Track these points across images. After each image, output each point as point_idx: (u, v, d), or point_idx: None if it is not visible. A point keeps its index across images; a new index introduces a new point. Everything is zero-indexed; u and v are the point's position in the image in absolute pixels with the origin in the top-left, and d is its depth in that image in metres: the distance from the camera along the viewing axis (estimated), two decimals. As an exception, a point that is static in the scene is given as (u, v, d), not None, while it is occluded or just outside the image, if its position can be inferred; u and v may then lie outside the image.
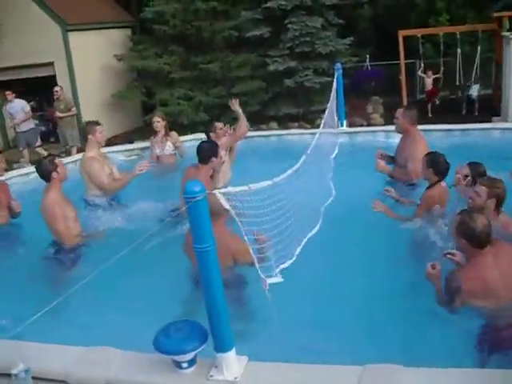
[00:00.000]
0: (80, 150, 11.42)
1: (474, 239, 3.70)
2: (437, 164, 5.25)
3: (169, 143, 8.34)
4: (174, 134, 8.49)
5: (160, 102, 12.77)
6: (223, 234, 4.22)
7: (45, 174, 5.49)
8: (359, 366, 3.28)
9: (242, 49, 13.06)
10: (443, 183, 5.26)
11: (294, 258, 4.13)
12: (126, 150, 9.53)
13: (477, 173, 5.12)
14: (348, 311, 4.34)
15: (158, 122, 8.39)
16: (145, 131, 13.02)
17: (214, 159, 6.18)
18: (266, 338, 3.89)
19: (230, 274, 4.29)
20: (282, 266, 3.93)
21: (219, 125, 7.38)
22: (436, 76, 13.44)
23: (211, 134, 7.18)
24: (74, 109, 12.09)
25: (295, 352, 3.76)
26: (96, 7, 14.19)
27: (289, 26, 12.25)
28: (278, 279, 3.66)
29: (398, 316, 4.24)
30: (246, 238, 3.47)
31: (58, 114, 11.91)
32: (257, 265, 3.48)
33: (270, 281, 3.54)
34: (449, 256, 3.95)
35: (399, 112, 6.52)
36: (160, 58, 12.96)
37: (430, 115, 13.08)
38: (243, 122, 7.40)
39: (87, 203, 6.64)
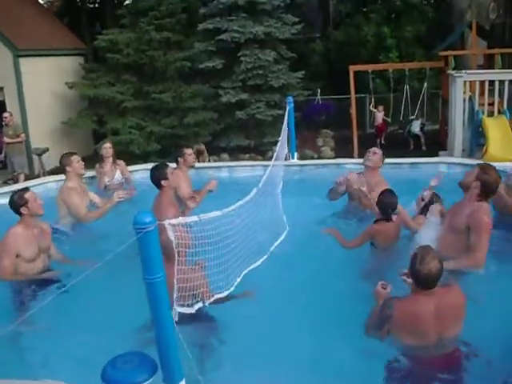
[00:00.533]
0: (27, 178, 11.25)
1: (418, 281, 3.68)
2: (381, 204, 5.40)
3: (118, 172, 8.27)
4: (121, 162, 8.43)
5: (111, 130, 12.70)
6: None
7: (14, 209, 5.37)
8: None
9: (194, 79, 13.13)
10: (393, 219, 5.35)
11: (232, 288, 4.14)
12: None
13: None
14: (299, 340, 4.35)
15: (110, 148, 8.34)
16: (95, 160, 12.84)
17: (163, 182, 6.19)
18: (217, 369, 3.87)
19: None
20: (219, 296, 3.94)
21: (188, 150, 7.38)
22: (385, 118, 13.79)
23: (179, 160, 7.22)
24: (22, 135, 11.88)
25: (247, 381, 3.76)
26: (48, 34, 14.11)
27: (242, 58, 12.39)
28: (190, 309, 3.65)
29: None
30: (176, 268, 3.47)
31: (6, 140, 11.71)
32: (175, 294, 3.46)
33: (180, 309, 3.52)
34: (404, 277, 3.92)
35: (378, 149, 6.78)
36: (112, 87, 12.92)
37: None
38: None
39: (56, 231, 6.58)
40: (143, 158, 11.91)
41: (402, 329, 3.78)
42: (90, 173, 8.82)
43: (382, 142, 13.46)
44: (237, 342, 4.28)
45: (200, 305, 3.74)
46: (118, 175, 8.23)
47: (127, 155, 12.02)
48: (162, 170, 6.25)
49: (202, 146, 11.91)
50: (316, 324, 4.50)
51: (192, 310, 3.65)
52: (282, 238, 5.72)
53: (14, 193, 5.49)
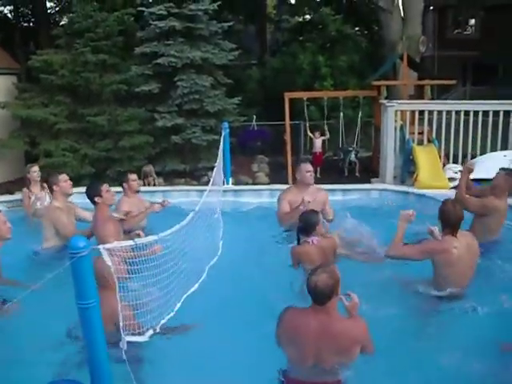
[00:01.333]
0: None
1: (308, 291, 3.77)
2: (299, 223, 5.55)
3: (47, 196, 8.19)
4: (45, 185, 8.40)
5: (44, 152, 12.42)
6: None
7: None
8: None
9: (130, 103, 13.04)
10: (312, 241, 5.43)
11: (172, 314, 4.14)
12: (5, 201, 9.21)
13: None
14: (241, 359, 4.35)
15: (38, 172, 8.31)
16: (27, 182, 12.62)
17: (97, 199, 6.28)
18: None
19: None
20: (162, 322, 3.92)
21: (132, 176, 7.52)
22: (323, 138, 13.96)
23: (124, 185, 7.42)
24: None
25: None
26: (-21, 51, 13.79)
27: (178, 83, 12.39)
28: (142, 338, 3.62)
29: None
30: (118, 295, 3.43)
31: None
32: (121, 323, 3.43)
33: (131, 338, 3.49)
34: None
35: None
36: (46, 108, 12.67)
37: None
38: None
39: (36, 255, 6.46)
40: (77, 181, 11.55)
41: (283, 337, 3.86)
42: (20, 196, 8.65)
43: (318, 175, 13.57)
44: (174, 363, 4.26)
45: (151, 332, 3.70)
46: (48, 198, 8.14)
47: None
48: (95, 187, 6.35)
49: (150, 167, 11.85)
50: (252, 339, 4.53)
51: (144, 338, 3.62)
52: (213, 260, 5.77)
53: None
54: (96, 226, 6.30)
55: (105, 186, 6.45)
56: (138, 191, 7.66)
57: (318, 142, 13.90)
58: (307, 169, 7.11)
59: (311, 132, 14.04)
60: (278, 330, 3.87)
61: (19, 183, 11.54)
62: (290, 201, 6.94)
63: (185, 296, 4.53)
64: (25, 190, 8.41)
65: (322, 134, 14.00)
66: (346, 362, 3.79)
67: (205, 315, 4.86)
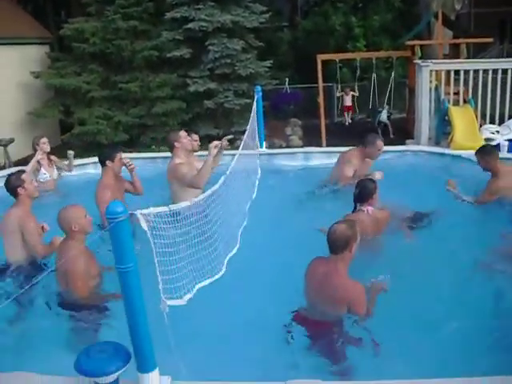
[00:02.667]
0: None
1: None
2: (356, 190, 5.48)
3: (54, 168, 8.30)
4: (53, 157, 8.53)
5: (78, 120, 12.56)
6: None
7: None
8: (281, 381, 3.36)
9: (162, 69, 13.04)
10: (367, 210, 5.37)
11: (213, 279, 4.17)
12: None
13: None
14: (269, 328, 4.40)
15: (48, 143, 8.39)
16: (62, 150, 12.76)
17: (108, 162, 6.40)
18: (189, 357, 3.89)
19: None
20: (199, 286, 3.96)
21: (183, 133, 6.98)
22: (353, 93, 13.95)
23: (175, 144, 6.76)
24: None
25: (219, 369, 3.79)
26: (12, 22, 13.81)
27: (209, 47, 12.34)
28: (180, 302, 3.66)
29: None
30: (156, 260, 3.47)
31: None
32: (160, 285, 3.48)
33: (170, 302, 3.54)
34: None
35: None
36: (79, 77, 12.76)
37: (346, 123, 13.63)
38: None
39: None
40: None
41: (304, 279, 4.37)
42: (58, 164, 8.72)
43: (349, 120, 13.63)
44: (208, 330, 4.32)
45: (190, 296, 3.75)
46: (56, 171, 8.25)
47: (94, 145, 11.95)
48: (112, 151, 6.63)
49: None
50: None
51: (183, 302, 3.67)
52: (244, 223, 5.78)
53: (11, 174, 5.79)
54: (97, 188, 6.39)
55: (120, 154, 6.55)
56: (195, 151, 7.35)
57: (349, 98, 13.94)
58: (381, 147, 7.13)
59: (342, 91, 14.08)
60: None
61: (55, 152, 11.69)
62: (355, 167, 6.99)
63: (226, 259, 4.56)
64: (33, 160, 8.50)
65: (352, 91, 14.01)
66: (338, 312, 4.19)
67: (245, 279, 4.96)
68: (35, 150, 8.40)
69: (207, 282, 4.04)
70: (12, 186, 5.54)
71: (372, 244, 5.27)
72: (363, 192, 5.39)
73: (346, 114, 14.42)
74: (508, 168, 6.42)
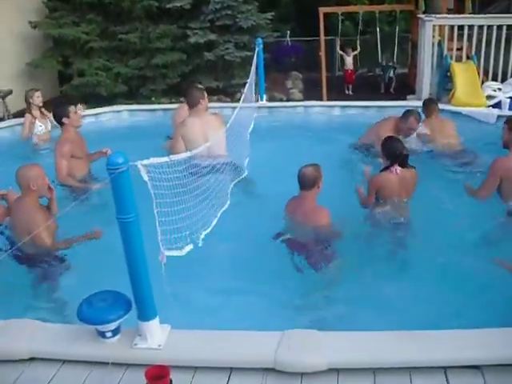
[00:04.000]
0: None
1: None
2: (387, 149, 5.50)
3: (48, 121, 8.33)
4: (45, 111, 8.61)
5: (77, 71, 12.43)
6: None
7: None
8: (278, 331, 3.42)
9: (162, 20, 12.83)
10: (396, 170, 5.36)
11: (208, 230, 4.22)
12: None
13: None
14: (267, 279, 4.48)
15: (41, 97, 8.44)
16: (61, 102, 12.69)
17: (64, 119, 6.59)
18: (189, 307, 3.96)
19: None
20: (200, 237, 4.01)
21: (72, 109, 7.08)
22: (355, 53, 13.64)
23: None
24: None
25: (217, 319, 3.86)
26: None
27: (210, -2, 12.16)
28: (178, 252, 3.71)
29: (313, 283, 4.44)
30: (156, 211, 3.50)
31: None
32: (159, 237, 3.52)
33: (169, 253, 3.58)
34: None
35: None
36: (77, 27, 12.55)
37: (347, 92, 13.37)
38: None
39: None
40: (110, 100, 11.74)
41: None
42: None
43: (350, 92, 13.38)
44: (208, 281, 4.39)
45: (190, 247, 3.80)
46: (49, 123, 8.27)
47: (94, 97, 11.87)
48: (64, 108, 6.68)
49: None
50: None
51: (182, 253, 3.72)
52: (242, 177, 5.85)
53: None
54: (57, 144, 6.47)
55: (72, 108, 6.64)
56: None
57: (350, 60, 13.61)
58: (413, 126, 7.13)
59: (342, 49, 13.74)
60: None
61: (54, 103, 11.64)
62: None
63: (221, 211, 4.60)
64: (27, 115, 8.52)
65: (354, 50, 13.68)
66: (317, 235, 5.07)
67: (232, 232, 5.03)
68: (28, 103, 8.41)
69: (203, 233, 4.09)
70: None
71: (400, 207, 5.38)
72: (392, 152, 5.39)
73: (346, 85, 13.64)
74: None
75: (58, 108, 6.77)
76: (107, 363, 3.30)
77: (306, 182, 5.02)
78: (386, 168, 5.39)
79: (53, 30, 12.41)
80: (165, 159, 3.64)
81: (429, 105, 7.95)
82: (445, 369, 3.25)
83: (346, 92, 13.39)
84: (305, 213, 5.07)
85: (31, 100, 8.43)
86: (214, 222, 4.50)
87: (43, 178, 4.89)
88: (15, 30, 12.69)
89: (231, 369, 3.33)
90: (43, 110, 8.54)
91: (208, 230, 4.30)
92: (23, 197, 4.85)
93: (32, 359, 3.44)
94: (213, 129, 6.40)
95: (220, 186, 5.05)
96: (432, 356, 3.27)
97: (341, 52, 13.74)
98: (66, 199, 5.66)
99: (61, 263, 4.76)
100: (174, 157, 3.81)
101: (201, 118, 6.60)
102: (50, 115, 8.32)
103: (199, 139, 6.18)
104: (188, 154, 4.21)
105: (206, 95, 6.82)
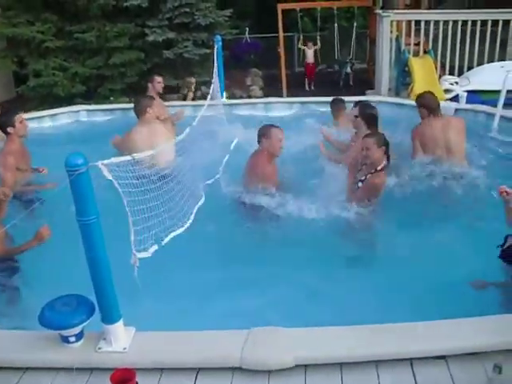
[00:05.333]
0: None
1: None
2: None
3: None
4: None
5: (33, 72, 12.19)
6: None
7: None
8: (244, 330, 3.41)
9: (119, 18, 12.66)
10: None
11: (181, 230, 4.18)
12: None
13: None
14: (231, 275, 4.47)
15: None
16: (17, 103, 12.46)
17: (9, 129, 6.24)
18: (153, 309, 3.92)
19: None
20: (171, 235, 3.97)
21: (158, 78, 8.51)
22: (316, 48, 13.70)
23: (149, 85, 8.54)
24: None
25: (183, 320, 3.83)
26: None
27: (168, -4, 12.06)
28: (146, 254, 3.66)
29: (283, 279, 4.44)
30: (128, 209, 3.45)
31: None
32: (132, 238, 3.46)
33: (139, 255, 3.53)
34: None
35: None
36: (32, 26, 12.31)
37: (307, 88, 13.44)
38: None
39: None
40: (68, 101, 11.56)
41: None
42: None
43: (312, 87, 13.44)
44: (170, 281, 4.35)
45: (155, 248, 3.74)
46: None
47: (51, 98, 11.67)
48: (10, 117, 6.35)
49: (193, 79, 12.18)
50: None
51: (148, 255, 3.66)
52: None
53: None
54: (1, 156, 6.20)
55: (19, 116, 6.35)
56: (159, 92, 8.55)
57: (311, 53, 13.65)
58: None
59: (304, 44, 13.78)
60: None
61: (10, 104, 11.43)
62: None
63: (195, 210, 4.57)
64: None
65: (315, 44, 13.73)
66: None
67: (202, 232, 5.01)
68: None
69: (173, 234, 4.04)
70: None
71: None
72: None
73: (306, 79, 13.72)
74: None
75: (2, 116, 6.41)
76: (71, 369, 3.24)
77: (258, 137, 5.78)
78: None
79: (6, 29, 12.14)
80: (127, 158, 3.58)
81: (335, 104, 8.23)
82: (411, 360, 3.28)
83: (307, 88, 13.45)
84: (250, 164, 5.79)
85: None
86: (188, 224, 4.43)
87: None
88: (-34, 29, 12.37)
89: (198, 369, 3.30)
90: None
91: (180, 231, 4.24)
92: None
93: (-7, 368, 3.36)
94: (160, 137, 6.36)
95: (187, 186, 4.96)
96: (398, 348, 3.30)
97: (302, 47, 13.77)
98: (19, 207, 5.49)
99: (16, 269, 4.63)
100: (137, 155, 3.75)
101: (149, 127, 6.56)
102: None
103: (145, 149, 6.14)
104: (152, 152, 4.14)
105: (153, 103, 6.78)
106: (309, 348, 3.35)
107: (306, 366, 3.28)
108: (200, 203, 4.87)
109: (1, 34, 12.34)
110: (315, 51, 13.73)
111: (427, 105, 6.62)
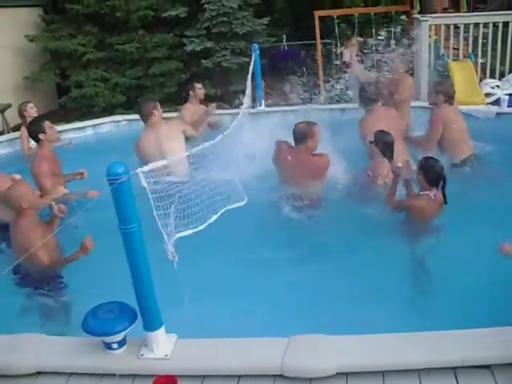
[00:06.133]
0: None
1: None
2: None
3: None
4: None
5: (75, 83, 12.42)
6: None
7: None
8: (285, 337, 3.40)
9: (158, 29, 12.85)
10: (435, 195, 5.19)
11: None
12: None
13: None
14: (274, 284, 4.46)
15: (35, 108, 8.36)
16: (60, 114, 12.70)
17: (41, 135, 6.38)
18: (195, 316, 3.94)
19: None
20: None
21: (198, 85, 8.99)
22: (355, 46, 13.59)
23: (190, 93, 9.02)
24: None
25: (224, 327, 3.84)
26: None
27: (205, 5, 12.13)
28: (185, 233, 3.69)
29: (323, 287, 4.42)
30: (155, 213, 3.48)
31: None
32: (166, 241, 3.50)
33: (179, 235, 3.57)
34: None
35: None
36: (74, 39, 12.56)
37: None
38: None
39: None
40: (109, 111, 11.76)
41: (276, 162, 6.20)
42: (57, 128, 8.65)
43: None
44: (213, 289, 4.36)
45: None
46: None
47: (93, 108, 11.88)
48: (39, 124, 6.44)
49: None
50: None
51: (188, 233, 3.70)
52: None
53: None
54: (33, 161, 6.28)
55: (47, 123, 6.44)
56: (202, 100, 8.98)
57: (347, 53, 13.57)
58: None
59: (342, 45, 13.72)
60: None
61: (53, 116, 11.64)
62: None
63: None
64: (23, 129, 8.22)
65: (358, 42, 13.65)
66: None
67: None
68: (23, 117, 8.32)
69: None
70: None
71: None
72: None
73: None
74: None
75: (32, 124, 6.54)
76: (114, 375, 3.28)
77: (298, 137, 5.80)
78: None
79: (50, 43, 12.42)
80: (163, 162, 3.62)
81: None
82: (454, 369, 3.23)
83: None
84: (296, 163, 5.73)
85: (25, 113, 8.35)
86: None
87: (32, 192, 4.72)
88: (12, 44, 12.70)
89: (239, 376, 3.30)
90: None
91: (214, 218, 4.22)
92: (18, 217, 4.66)
93: (38, 373, 3.42)
94: (169, 139, 6.49)
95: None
96: (441, 357, 3.25)
97: (341, 49, 13.67)
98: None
99: (60, 278, 4.71)
100: (172, 159, 3.79)
101: (156, 130, 6.61)
102: None
103: (154, 153, 6.24)
104: (186, 153, 4.19)
105: (158, 105, 6.87)
106: (350, 355, 3.32)
107: (347, 373, 3.26)
108: (241, 204, 4.82)
109: (44, 48, 12.63)
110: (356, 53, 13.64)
111: (445, 92, 6.74)
